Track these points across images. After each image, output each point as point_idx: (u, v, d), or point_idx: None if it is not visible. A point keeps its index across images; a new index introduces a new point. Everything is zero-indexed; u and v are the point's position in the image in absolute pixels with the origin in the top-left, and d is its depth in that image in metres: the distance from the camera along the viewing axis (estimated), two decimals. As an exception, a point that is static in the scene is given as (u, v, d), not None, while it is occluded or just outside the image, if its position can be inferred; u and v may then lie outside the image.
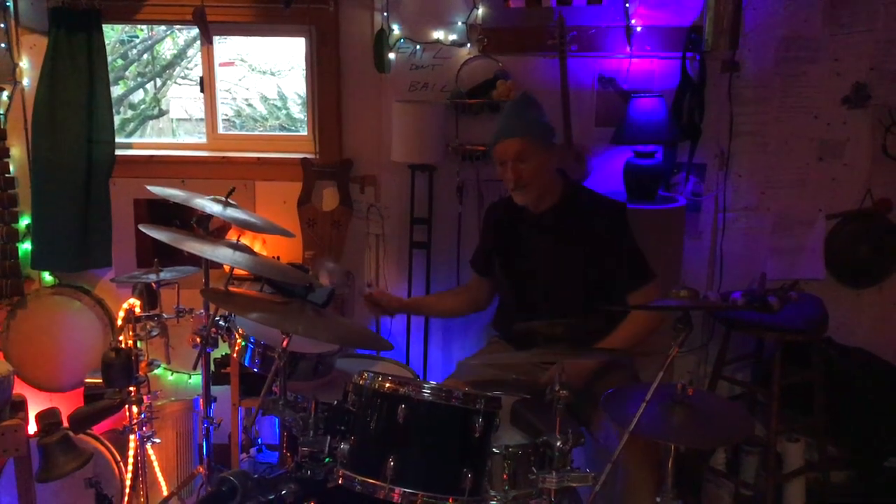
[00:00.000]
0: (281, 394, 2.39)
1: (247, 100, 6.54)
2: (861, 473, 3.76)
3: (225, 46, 5.80)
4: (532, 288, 2.97)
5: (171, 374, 3.81)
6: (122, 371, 2.86)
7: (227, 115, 6.18)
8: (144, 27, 5.56)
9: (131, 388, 2.91)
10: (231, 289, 2.83)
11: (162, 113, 6.19)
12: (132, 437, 3.08)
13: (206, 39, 3.69)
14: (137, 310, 3.05)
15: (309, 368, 2.72)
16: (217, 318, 2.83)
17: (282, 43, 5.84)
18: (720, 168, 3.73)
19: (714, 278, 3.80)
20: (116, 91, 5.08)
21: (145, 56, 5.98)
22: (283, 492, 2.17)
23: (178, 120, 6.55)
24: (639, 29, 3.57)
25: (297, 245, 3.71)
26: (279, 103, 6.49)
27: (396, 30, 3.59)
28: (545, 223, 2.93)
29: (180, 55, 6.07)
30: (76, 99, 3.52)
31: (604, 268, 2.85)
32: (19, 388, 3.28)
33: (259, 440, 2.83)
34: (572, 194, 2.96)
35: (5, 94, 3.60)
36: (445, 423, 2.12)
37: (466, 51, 3.61)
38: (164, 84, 6.16)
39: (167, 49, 6.15)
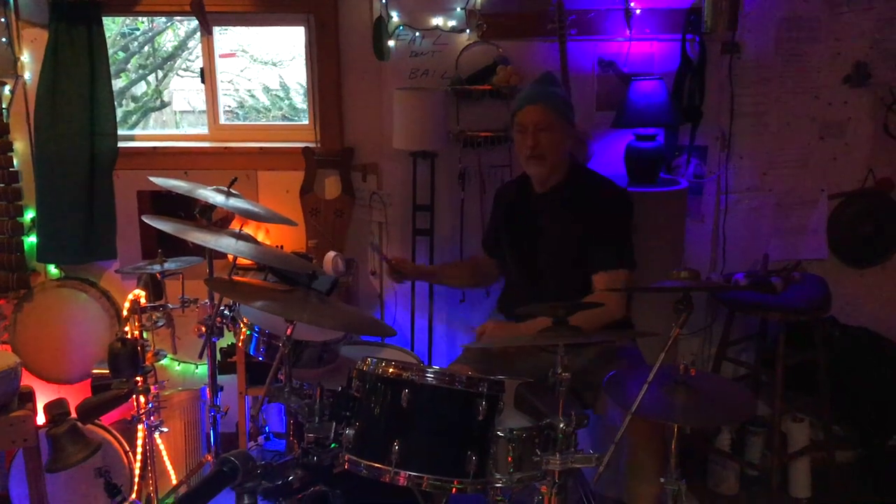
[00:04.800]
0: (286, 381, 2.41)
1: (249, 91, 6.54)
2: (866, 452, 3.78)
3: (226, 37, 5.80)
4: (538, 267, 2.98)
5: (178, 363, 3.83)
6: (128, 361, 2.88)
7: (229, 106, 6.18)
8: (145, 19, 5.57)
9: (138, 378, 2.93)
10: (235, 278, 2.85)
11: (164, 105, 6.20)
12: (140, 426, 3.10)
13: (206, 30, 3.70)
14: (143, 300, 3.08)
15: (314, 356, 2.74)
16: (222, 308, 2.85)
17: (283, 33, 5.84)
18: (721, 150, 3.73)
19: (717, 260, 3.81)
20: (118, 84, 5.09)
21: (146, 48, 5.99)
22: (290, 478, 2.19)
23: (182, 112, 6.56)
24: (638, 12, 3.57)
25: (300, 234, 3.72)
26: (281, 93, 6.49)
27: (395, 17, 3.59)
28: (549, 202, 2.95)
29: (181, 47, 6.07)
30: (78, 92, 3.53)
31: (590, 244, 2.86)
32: (27, 381, 3.32)
33: (266, 428, 2.85)
34: (578, 175, 2.98)
35: (7, 88, 3.60)
36: (449, 406, 2.13)
37: (466, 37, 3.61)
38: (165, 76, 6.17)
39: (168, 41, 6.16)
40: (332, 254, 3.05)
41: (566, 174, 2.95)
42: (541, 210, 2.98)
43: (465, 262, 3.60)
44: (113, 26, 5.44)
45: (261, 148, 3.78)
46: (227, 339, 3.35)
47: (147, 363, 2.98)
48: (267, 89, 6.53)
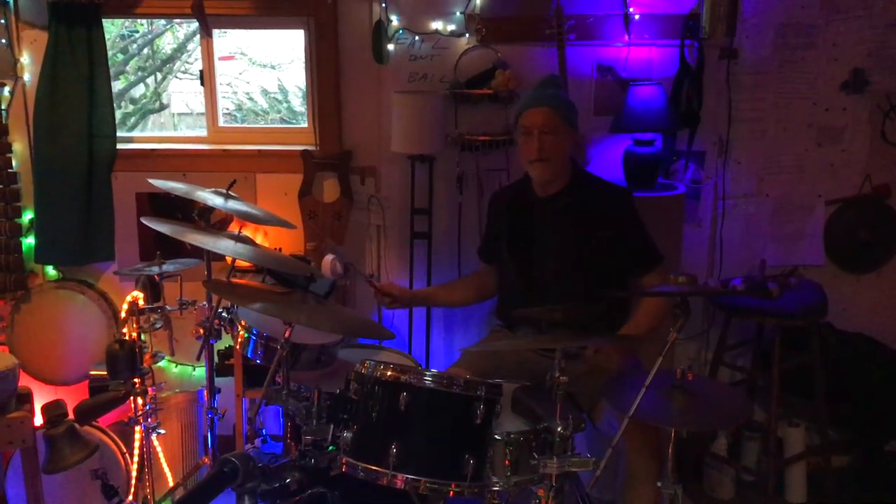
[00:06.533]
0: (284, 384, 2.41)
1: (248, 93, 6.54)
2: (862, 457, 3.79)
3: (225, 40, 5.80)
4: (539, 272, 2.97)
5: (176, 365, 3.83)
6: (125, 363, 2.88)
7: (228, 108, 6.18)
8: (144, 21, 5.57)
9: (136, 380, 2.93)
10: (233, 280, 2.85)
11: (163, 107, 6.20)
12: (137, 428, 3.10)
13: (206, 32, 3.71)
14: (141, 302, 3.08)
15: (312, 359, 2.74)
16: (220, 310, 2.85)
17: (282, 36, 5.84)
18: (719, 155, 3.74)
19: (714, 265, 3.82)
20: (117, 86, 5.08)
21: (145, 50, 5.99)
22: (287, 480, 2.18)
23: (180, 115, 6.56)
24: (637, 17, 3.58)
25: (298, 237, 3.72)
26: (280, 96, 6.49)
27: (395, 21, 3.60)
28: (553, 207, 2.95)
29: (180, 49, 6.07)
30: (77, 94, 3.53)
31: (612, 253, 2.86)
32: (25, 382, 3.31)
33: (263, 431, 2.84)
34: (580, 179, 2.99)
35: (6, 89, 3.61)
36: (447, 410, 2.14)
37: (465, 41, 3.62)
38: (164, 78, 6.17)
39: (167, 43, 6.16)
40: (330, 256, 3.05)
41: (569, 178, 2.96)
42: (545, 215, 2.97)
43: (464, 280, 3.54)
44: (112, 28, 5.45)
45: (259, 150, 3.78)
46: (224, 342, 3.35)
47: (145, 365, 2.98)
48: (265, 92, 6.53)
